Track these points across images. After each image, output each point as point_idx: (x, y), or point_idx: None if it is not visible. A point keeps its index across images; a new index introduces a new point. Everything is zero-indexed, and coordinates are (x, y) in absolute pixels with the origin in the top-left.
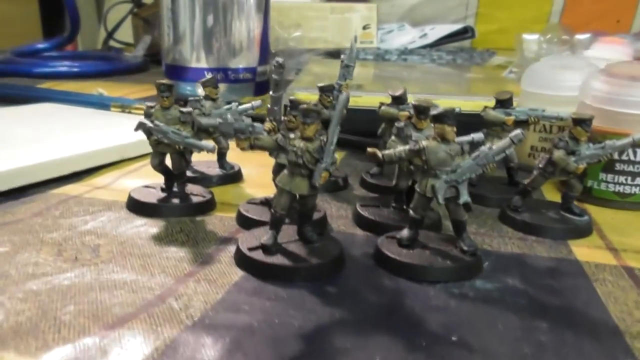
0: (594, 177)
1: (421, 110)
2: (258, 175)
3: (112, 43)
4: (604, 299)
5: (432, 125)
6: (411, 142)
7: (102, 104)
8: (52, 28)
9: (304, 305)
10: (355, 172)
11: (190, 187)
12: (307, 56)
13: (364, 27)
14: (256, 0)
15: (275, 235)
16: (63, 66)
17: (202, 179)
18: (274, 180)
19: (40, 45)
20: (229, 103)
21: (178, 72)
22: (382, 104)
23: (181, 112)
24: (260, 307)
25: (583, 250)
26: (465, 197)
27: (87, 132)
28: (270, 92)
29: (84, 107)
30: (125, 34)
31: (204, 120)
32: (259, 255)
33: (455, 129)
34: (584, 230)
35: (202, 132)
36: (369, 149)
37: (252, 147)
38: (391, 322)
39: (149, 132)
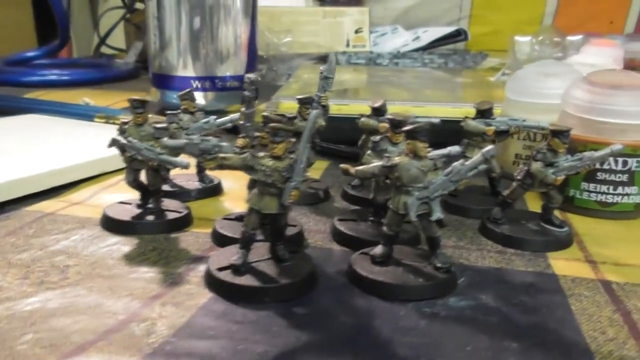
0: (576, 187)
1: (396, 124)
2: (239, 188)
3: (105, 49)
4: (577, 316)
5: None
6: (384, 158)
7: (86, 114)
8: (46, 34)
9: (270, 329)
10: (338, 183)
11: (167, 203)
12: (298, 61)
13: (356, 31)
14: (243, 5)
15: (245, 254)
16: (52, 75)
17: (181, 194)
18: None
19: (30, 54)
20: (207, 114)
21: (164, 80)
22: (361, 115)
23: (155, 128)
24: (225, 332)
25: (561, 264)
26: (437, 214)
27: (68, 146)
28: (243, 109)
29: (68, 118)
30: (119, 40)
31: (169, 143)
32: (227, 275)
33: (427, 144)
34: (563, 242)
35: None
36: (342, 165)
37: (221, 167)
38: (358, 345)
39: (122, 149)
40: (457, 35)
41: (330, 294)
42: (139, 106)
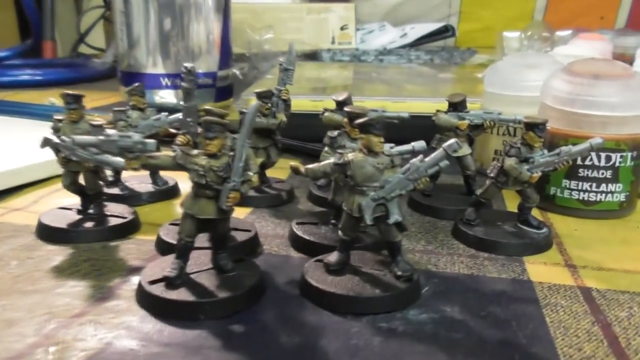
0: (557, 184)
1: (353, 118)
2: None
3: (86, 49)
4: (552, 330)
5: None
6: (336, 154)
7: (50, 115)
8: (29, 34)
9: (200, 351)
10: (305, 183)
11: (112, 208)
12: (281, 59)
13: (342, 28)
14: (215, 0)
15: (181, 265)
16: (25, 75)
17: (131, 197)
18: None
19: (1, 54)
20: (160, 111)
21: (133, 79)
22: (325, 109)
23: (92, 125)
24: (146, 358)
25: (539, 269)
26: (395, 216)
27: (20, 147)
28: (182, 102)
29: (32, 119)
30: (100, 40)
31: (79, 139)
32: (159, 289)
33: (382, 139)
34: (542, 245)
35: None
36: (292, 164)
37: (146, 167)
38: None
39: (56, 149)
40: (445, 32)
41: (276, 308)
42: (72, 101)
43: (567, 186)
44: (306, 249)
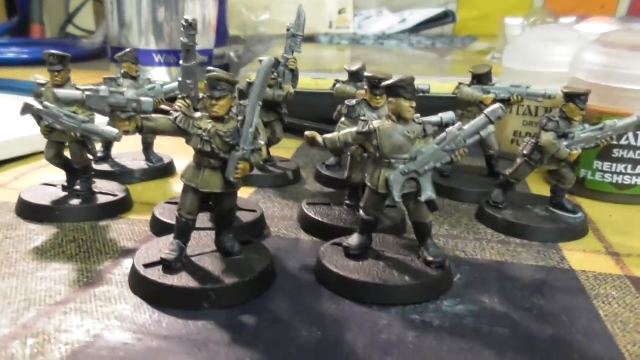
0: (587, 166)
1: (375, 84)
2: None
3: (74, 31)
4: (609, 325)
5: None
6: (360, 122)
7: (30, 90)
8: (16, 13)
9: (206, 346)
10: (312, 163)
11: (102, 185)
12: (277, 42)
13: (340, 12)
14: None
15: (181, 246)
16: (10, 53)
17: (122, 174)
18: None
19: None
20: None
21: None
22: (337, 81)
23: (78, 90)
24: (142, 354)
25: (578, 256)
26: (428, 194)
27: (1, 122)
28: (181, 61)
29: (14, 95)
30: (89, 22)
31: (61, 94)
32: (156, 273)
33: (414, 104)
34: (578, 231)
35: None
36: (307, 133)
37: (141, 131)
38: None
39: (38, 117)
40: (445, 18)
41: (290, 296)
42: (55, 62)
43: (600, 168)
44: (318, 231)
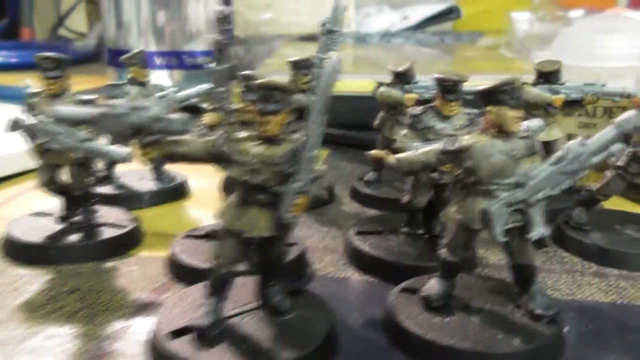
0: None
1: (449, 88)
2: (211, 189)
3: (66, 33)
4: None
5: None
6: (446, 140)
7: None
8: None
9: None
10: (343, 177)
11: (105, 213)
12: (279, 42)
13: None
14: None
15: (216, 305)
16: None
17: (128, 198)
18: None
19: None
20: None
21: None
22: (380, 84)
23: (81, 101)
24: None
25: None
26: (540, 230)
27: None
28: (212, 65)
29: (3, 103)
30: (82, 24)
31: (63, 111)
32: (185, 347)
33: (521, 113)
34: None
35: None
36: (372, 152)
37: (170, 158)
38: None
39: (30, 133)
40: (449, 13)
41: None
42: (51, 67)
43: None
44: (375, 269)
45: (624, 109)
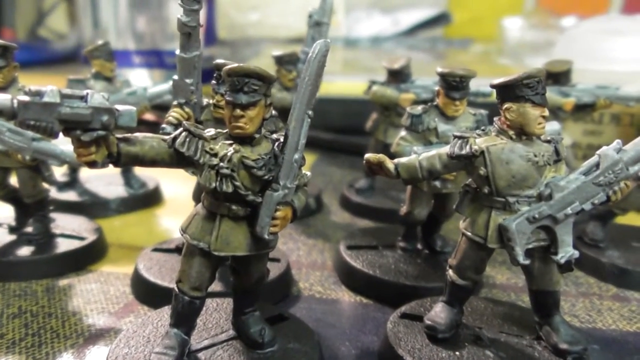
0: None
1: (455, 85)
2: (187, 195)
3: (45, 33)
4: None
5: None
6: (456, 142)
7: None
8: None
9: None
10: (332, 184)
11: (64, 222)
12: (266, 44)
13: None
14: None
15: (182, 340)
16: None
17: (93, 206)
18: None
19: None
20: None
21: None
22: (373, 82)
23: (29, 93)
24: None
25: None
26: (569, 250)
27: None
28: (178, 51)
29: None
30: (62, 23)
31: None
32: None
33: (546, 112)
34: None
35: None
36: (369, 156)
37: (117, 161)
38: None
39: None
40: (440, 19)
41: None
42: None
43: None
44: (369, 289)
45: (633, 116)
